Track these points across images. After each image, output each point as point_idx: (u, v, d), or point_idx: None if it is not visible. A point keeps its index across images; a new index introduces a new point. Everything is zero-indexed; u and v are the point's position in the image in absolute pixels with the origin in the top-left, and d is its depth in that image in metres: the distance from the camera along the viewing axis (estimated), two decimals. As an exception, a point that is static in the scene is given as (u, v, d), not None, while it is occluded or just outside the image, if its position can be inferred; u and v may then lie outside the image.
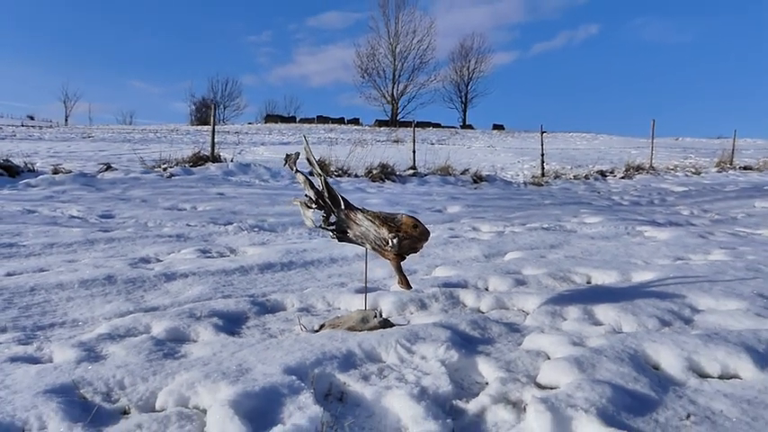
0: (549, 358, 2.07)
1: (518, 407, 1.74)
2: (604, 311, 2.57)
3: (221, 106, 67.06)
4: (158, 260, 4.19)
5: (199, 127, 45.57)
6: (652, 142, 15.36)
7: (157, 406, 1.75)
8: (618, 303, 2.66)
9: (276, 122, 50.77)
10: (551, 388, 1.82)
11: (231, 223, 5.92)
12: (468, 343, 2.25)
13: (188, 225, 5.78)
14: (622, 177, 13.59)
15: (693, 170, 15.00)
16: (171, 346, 2.30)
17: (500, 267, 3.71)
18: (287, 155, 2.66)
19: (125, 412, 1.72)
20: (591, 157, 20.47)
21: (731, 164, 16.13)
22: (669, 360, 1.98)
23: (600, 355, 1.96)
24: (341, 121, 51.91)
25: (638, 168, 14.43)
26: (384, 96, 56.52)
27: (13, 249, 4.37)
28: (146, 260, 4.14)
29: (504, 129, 51.71)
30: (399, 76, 56.09)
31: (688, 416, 1.64)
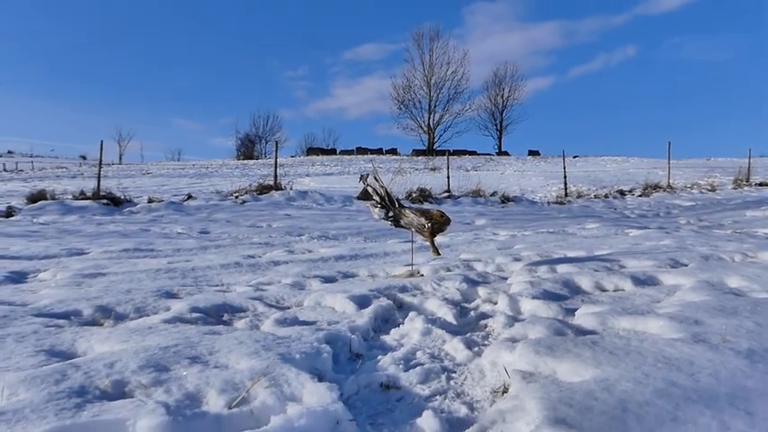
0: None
1: (495, 303, 3.28)
2: (562, 267, 4.09)
3: (263, 141, 70.19)
4: (259, 257, 5.83)
5: (245, 161, 48.21)
6: (669, 163, 16.59)
7: (305, 305, 3.35)
8: (573, 263, 4.17)
9: (317, 155, 53.22)
10: (513, 293, 3.36)
11: (302, 235, 7.59)
12: (474, 282, 3.80)
13: (270, 236, 7.47)
14: (640, 195, 14.87)
15: (709, 187, 16.15)
16: (298, 288, 3.92)
17: (506, 252, 5.24)
18: (361, 175, 4.29)
19: (288, 307, 3.33)
20: (619, 178, 21.68)
21: (747, 181, 17.20)
22: (586, 283, 3.51)
23: (545, 281, 3.50)
24: (379, 151, 54.04)
25: (656, 187, 15.68)
26: (420, 126, 58.67)
27: (154, 252, 6.08)
28: (251, 257, 5.79)
29: (539, 154, 52.91)
30: (435, 106, 58.26)
31: (582, 300, 3.16)
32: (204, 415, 1.52)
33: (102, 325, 2.69)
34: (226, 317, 2.96)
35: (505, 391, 1.86)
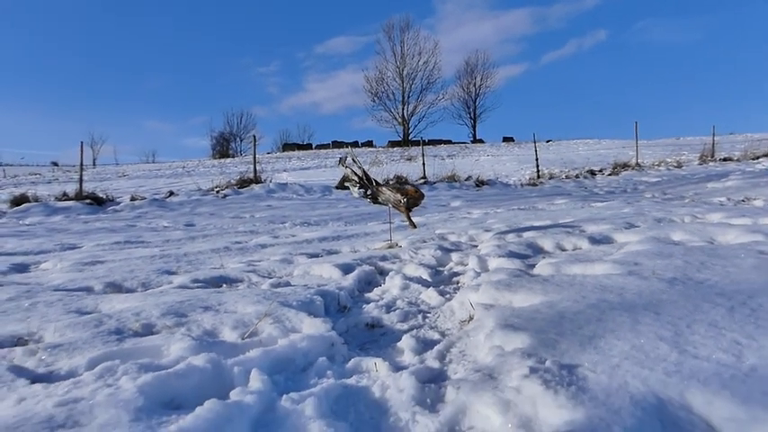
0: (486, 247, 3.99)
1: (466, 264, 3.64)
2: (528, 233, 4.48)
3: (238, 138, 69.91)
4: (246, 242, 6.13)
5: (222, 160, 48.08)
6: (636, 142, 17.17)
7: (295, 274, 3.68)
8: (539, 231, 4.56)
9: (293, 150, 53.27)
10: (482, 254, 3.73)
11: (285, 222, 7.89)
12: (447, 250, 4.16)
13: (254, 225, 7.76)
14: (609, 174, 15.40)
15: (676, 164, 16.75)
16: (287, 262, 4.25)
17: (478, 226, 5.62)
18: (340, 158, 4.63)
19: (280, 277, 3.66)
20: (590, 159, 22.25)
21: (712, 156, 17.85)
22: (548, 244, 3.89)
23: (511, 244, 3.88)
24: (355, 144, 54.24)
25: (625, 166, 16.22)
26: (395, 118, 58.81)
27: (145, 243, 6.34)
28: (239, 242, 6.08)
29: (513, 141, 53.57)
30: (408, 97, 58.37)
31: (543, 257, 3.54)
32: (222, 343, 1.85)
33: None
34: (224, 286, 3.28)
35: (470, 319, 2.22)
